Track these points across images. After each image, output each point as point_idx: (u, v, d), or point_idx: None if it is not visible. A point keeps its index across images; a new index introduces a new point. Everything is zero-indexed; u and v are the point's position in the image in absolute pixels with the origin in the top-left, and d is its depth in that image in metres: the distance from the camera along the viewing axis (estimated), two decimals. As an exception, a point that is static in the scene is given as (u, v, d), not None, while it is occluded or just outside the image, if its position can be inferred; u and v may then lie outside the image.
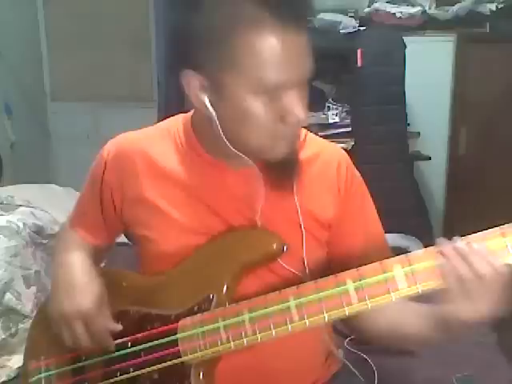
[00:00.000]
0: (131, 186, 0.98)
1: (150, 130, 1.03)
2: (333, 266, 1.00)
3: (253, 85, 0.81)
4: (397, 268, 0.79)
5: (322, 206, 0.98)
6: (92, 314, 0.95)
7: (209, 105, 0.86)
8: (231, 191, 0.95)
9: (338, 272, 0.85)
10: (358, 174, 1.04)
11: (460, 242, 0.79)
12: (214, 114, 0.86)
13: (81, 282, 0.98)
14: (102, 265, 1.21)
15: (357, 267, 0.83)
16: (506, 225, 0.78)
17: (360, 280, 0.80)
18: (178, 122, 1.01)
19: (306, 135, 1.02)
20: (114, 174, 1.00)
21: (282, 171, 0.92)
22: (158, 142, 1.00)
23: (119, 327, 0.96)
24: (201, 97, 0.86)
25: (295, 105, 0.82)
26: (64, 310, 0.96)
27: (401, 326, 0.93)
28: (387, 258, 0.96)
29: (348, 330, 1.04)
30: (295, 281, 0.91)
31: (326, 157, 1.01)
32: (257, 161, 0.90)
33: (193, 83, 0.85)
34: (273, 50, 0.79)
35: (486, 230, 0.79)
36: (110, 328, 0.96)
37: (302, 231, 0.95)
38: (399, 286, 0.79)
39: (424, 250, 0.79)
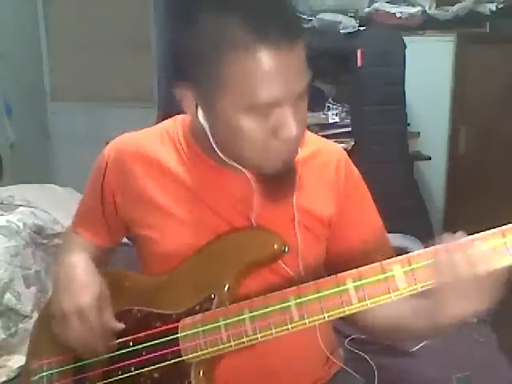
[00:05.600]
0: (133, 187, 0.99)
1: (150, 132, 1.03)
2: (333, 262, 1.01)
3: (243, 104, 0.80)
4: (396, 268, 0.79)
5: (321, 203, 0.99)
6: (90, 310, 0.93)
7: (202, 119, 0.88)
8: (231, 192, 0.95)
9: (338, 269, 0.85)
10: (356, 171, 1.05)
11: (464, 239, 0.78)
12: (207, 127, 0.88)
13: (81, 278, 0.97)
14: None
15: (357, 262, 0.83)
16: (508, 225, 0.77)
17: (360, 280, 0.81)
18: (176, 123, 1.01)
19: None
20: (115, 175, 1.01)
21: (280, 183, 0.91)
22: (157, 143, 1.00)
23: (121, 326, 0.95)
24: (194, 110, 0.87)
25: (288, 121, 0.81)
26: (62, 305, 0.94)
27: (397, 319, 0.92)
28: (388, 251, 0.97)
29: (348, 323, 1.03)
30: (295, 279, 0.92)
31: (324, 155, 1.02)
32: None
33: (186, 96, 0.87)
34: (261, 71, 0.78)
35: (487, 230, 0.78)
36: (111, 327, 0.95)
37: (300, 230, 0.96)
38: (399, 285, 0.79)
39: (423, 249, 0.79)
